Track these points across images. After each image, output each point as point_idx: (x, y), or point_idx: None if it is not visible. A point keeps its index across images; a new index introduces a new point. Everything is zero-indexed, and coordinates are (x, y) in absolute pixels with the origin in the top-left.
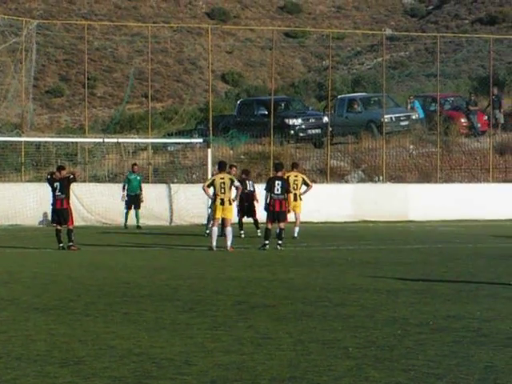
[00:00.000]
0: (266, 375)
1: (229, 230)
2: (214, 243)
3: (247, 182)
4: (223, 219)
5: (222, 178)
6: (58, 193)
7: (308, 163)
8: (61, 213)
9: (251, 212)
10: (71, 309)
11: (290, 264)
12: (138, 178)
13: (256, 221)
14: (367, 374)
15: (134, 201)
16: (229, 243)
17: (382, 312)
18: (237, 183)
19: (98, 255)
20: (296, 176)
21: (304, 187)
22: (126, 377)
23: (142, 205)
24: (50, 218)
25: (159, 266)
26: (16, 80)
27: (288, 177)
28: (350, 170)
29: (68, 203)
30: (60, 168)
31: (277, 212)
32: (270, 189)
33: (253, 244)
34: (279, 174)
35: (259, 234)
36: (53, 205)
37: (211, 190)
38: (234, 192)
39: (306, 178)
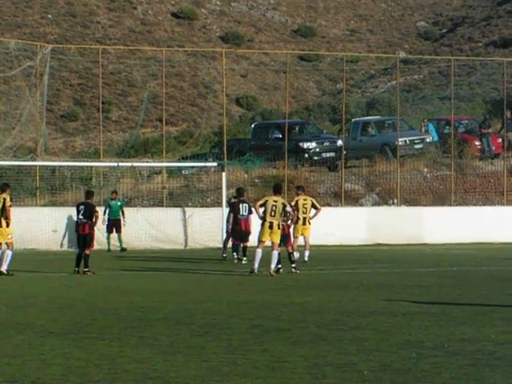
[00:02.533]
0: None
1: (275, 254)
2: (257, 265)
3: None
4: (272, 243)
5: (275, 201)
6: (80, 216)
7: (322, 186)
8: (83, 238)
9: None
10: (86, 333)
11: (305, 287)
12: (119, 203)
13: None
14: None
15: (115, 225)
16: (272, 266)
17: (397, 335)
18: (289, 208)
19: (113, 279)
20: (305, 200)
21: (313, 211)
22: None
23: (156, 228)
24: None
25: (174, 289)
26: (30, 104)
27: (297, 201)
28: (365, 194)
29: (91, 228)
30: (88, 193)
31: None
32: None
33: (266, 268)
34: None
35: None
36: (76, 229)
37: (261, 210)
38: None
39: (314, 202)
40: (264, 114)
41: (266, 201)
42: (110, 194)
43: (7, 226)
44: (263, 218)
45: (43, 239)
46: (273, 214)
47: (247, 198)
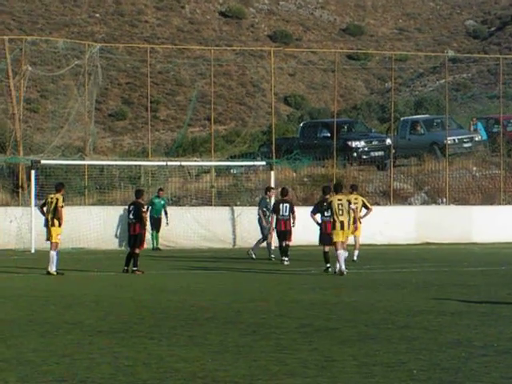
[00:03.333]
0: None
1: (342, 253)
2: (343, 266)
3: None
4: (341, 242)
5: (340, 200)
6: (130, 216)
7: (371, 185)
8: (133, 237)
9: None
10: (135, 332)
11: (354, 286)
12: (162, 202)
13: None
14: None
15: (156, 223)
16: (343, 266)
17: (446, 334)
18: (353, 206)
19: (162, 279)
20: (356, 199)
21: (364, 210)
22: None
23: (204, 227)
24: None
25: (223, 288)
26: (79, 103)
27: (348, 200)
28: (413, 192)
29: (141, 228)
30: (137, 192)
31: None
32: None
33: (316, 267)
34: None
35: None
36: (128, 229)
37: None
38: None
39: (365, 201)
40: (312, 112)
41: (331, 201)
42: (157, 191)
43: (59, 225)
44: (333, 219)
45: (92, 238)
46: (340, 212)
47: (295, 197)
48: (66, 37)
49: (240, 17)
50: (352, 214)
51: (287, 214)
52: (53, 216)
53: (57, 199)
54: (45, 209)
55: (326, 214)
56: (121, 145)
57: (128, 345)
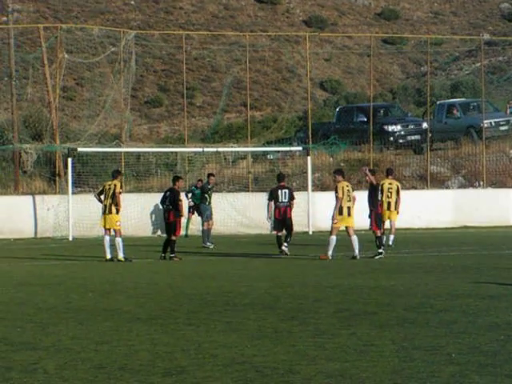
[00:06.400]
0: (369, 382)
1: (354, 239)
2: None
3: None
4: (347, 228)
5: (390, 184)
6: (167, 203)
7: (408, 170)
8: (169, 225)
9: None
10: (173, 318)
11: (392, 271)
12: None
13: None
14: (471, 380)
15: (198, 208)
16: (357, 251)
17: (484, 317)
18: (354, 193)
19: (200, 265)
20: (390, 184)
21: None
22: None
23: (241, 213)
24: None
25: (260, 274)
26: (115, 90)
27: (382, 184)
28: (451, 176)
29: (176, 215)
30: (174, 179)
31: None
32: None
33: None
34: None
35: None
36: (164, 216)
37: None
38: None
39: (400, 188)
40: (348, 97)
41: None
42: (196, 182)
43: (117, 212)
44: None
45: (129, 225)
46: (348, 199)
47: (331, 182)
48: (101, 24)
49: (275, 2)
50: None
51: (286, 200)
52: (111, 202)
53: (114, 185)
54: (102, 197)
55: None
56: (157, 132)
57: (166, 331)
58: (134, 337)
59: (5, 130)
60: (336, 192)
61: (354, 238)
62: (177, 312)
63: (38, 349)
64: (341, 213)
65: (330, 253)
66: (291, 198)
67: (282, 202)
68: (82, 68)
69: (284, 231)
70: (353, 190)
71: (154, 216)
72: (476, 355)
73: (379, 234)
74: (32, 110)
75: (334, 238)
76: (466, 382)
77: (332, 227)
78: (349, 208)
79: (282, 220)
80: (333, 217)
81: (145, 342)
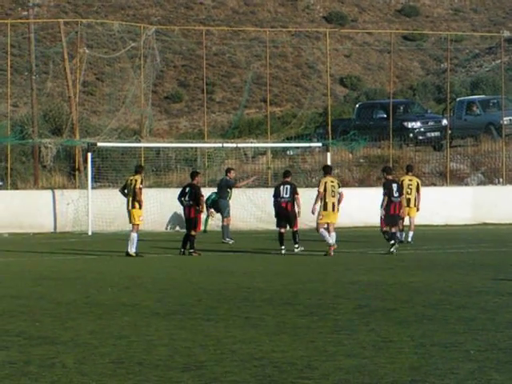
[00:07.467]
0: (387, 378)
1: (333, 235)
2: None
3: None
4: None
5: (410, 180)
6: (186, 198)
7: (427, 166)
8: (188, 222)
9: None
10: (192, 313)
11: (411, 267)
12: None
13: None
14: (489, 377)
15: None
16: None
17: (503, 314)
18: (341, 189)
19: (219, 260)
20: (411, 180)
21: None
22: (248, 381)
23: (261, 209)
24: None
25: (279, 270)
26: (135, 85)
27: (402, 181)
28: (470, 173)
29: (196, 211)
30: (192, 174)
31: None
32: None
33: (371, 248)
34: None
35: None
36: (183, 212)
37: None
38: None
39: (420, 184)
40: (368, 93)
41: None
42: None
43: (140, 207)
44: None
45: (148, 220)
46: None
47: (351, 178)
48: (121, 19)
49: None
50: (338, 197)
51: (287, 195)
52: (133, 198)
53: (135, 181)
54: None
55: (395, 194)
56: (177, 127)
57: (185, 326)
58: (152, 332)
59: (25, 125)
60: (318, 187)
61: (333, 235)
62: (195, 307)
63: (56, 343)
64: (325, 208)
65: (330, 241)
66: (293, 193)
67: (282, 197)
68: (103, 63)
69: (288, 227)
70: (339, 187)
71: (172, 211)
72: (494, 352)
73: (385, 229)
74: (52, 105)
75: (322, 230)
76: (484, 379)
77: (317, 223)
78: (333, 204)
79: (283, 216)
80: (312, 211)
81: (163, 337)
